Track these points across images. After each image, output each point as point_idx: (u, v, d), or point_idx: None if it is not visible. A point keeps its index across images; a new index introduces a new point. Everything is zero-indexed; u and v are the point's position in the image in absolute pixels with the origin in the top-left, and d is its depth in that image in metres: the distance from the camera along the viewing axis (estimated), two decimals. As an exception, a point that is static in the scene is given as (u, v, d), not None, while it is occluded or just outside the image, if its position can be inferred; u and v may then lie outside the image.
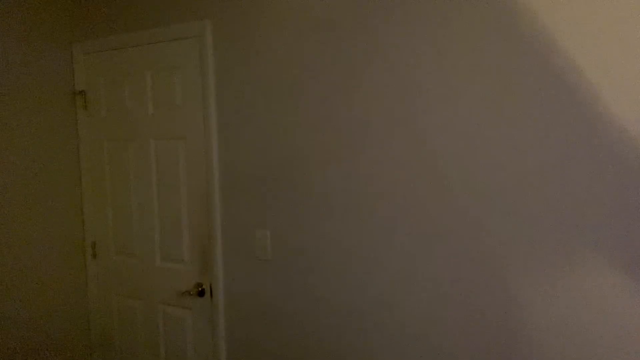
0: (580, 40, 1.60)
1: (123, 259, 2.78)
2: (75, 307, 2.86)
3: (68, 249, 2.81)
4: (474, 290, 1.83)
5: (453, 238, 1.86)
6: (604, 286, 1.62)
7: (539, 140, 1.69)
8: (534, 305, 1.73)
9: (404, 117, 1.92)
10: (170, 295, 2.62)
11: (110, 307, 2.86)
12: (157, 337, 2.70)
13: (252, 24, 2.24)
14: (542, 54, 1.66)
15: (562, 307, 1.69)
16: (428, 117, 1.87)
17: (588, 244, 1.64)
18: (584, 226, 1.64)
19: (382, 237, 2.00)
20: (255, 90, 2.26)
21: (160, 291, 2.66)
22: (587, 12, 1.58)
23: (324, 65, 2.07)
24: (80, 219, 2.87)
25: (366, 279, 2.05)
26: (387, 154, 1.96)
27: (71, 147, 2.83)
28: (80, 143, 2.85)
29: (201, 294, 2.50)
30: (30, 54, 2.62)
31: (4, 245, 2.53)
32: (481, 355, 1.84)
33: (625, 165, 1.57)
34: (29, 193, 2.62)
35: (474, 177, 1.80)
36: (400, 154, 1.93)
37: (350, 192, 2.05)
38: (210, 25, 2.36)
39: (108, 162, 2.78)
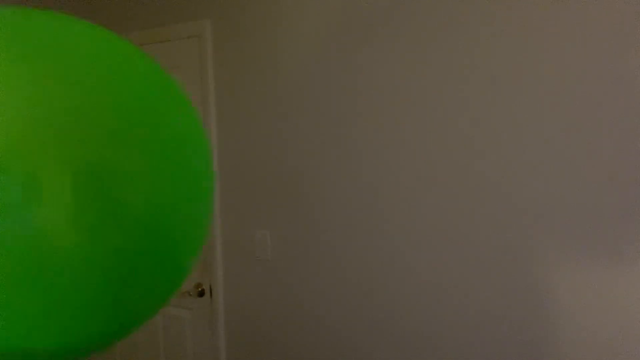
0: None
1: (123, 259, 2.78)
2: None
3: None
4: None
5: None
6: None
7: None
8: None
9: (405, 119, 1.92)
10: (170, 295, 2.61)
11: (110, 307, 2.86)
12: (157, 337, 2.70)
13: (253, 24, 2.24)
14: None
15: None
16: (430, 114, 1.87)
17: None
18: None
19: (385, 237, 2.00)
20: (255, 90, 2.26)
21: (160, 291, 2.65)
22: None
23: (326, 66, 2.07)
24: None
25: (368, 279, 2.05)
26: (388, 155, 1.96)
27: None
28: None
29: (201, 294, 2.50)
30: (30, 53, 2.62)
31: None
32: None
33: None
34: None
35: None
36: (402, 153, 1.93)
37: (351, 191, 2.05)
38: (210, 25, 2.36)
39: (108, 162, 2.78)
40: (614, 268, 1.59)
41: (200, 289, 2.50)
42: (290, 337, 2.27)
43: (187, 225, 0.82)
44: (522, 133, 1.70)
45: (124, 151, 0.72)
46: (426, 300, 1.92)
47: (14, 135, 0.66)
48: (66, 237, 0.69)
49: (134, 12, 2.59)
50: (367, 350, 2.07)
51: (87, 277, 0.71)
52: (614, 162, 1.57)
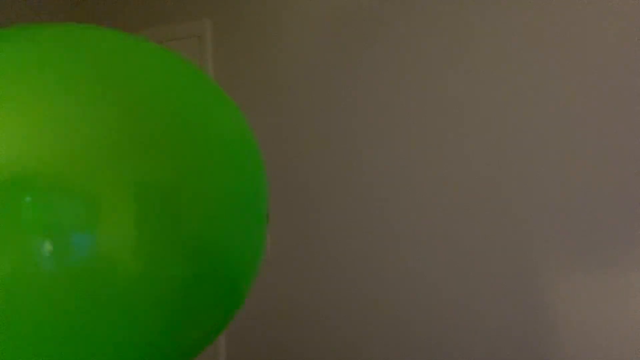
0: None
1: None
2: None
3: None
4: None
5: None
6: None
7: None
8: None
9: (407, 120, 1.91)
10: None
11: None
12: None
13: (253, 24, 2.23)
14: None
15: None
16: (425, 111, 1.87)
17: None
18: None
19: (384, 238, 2.00)
20: (255, 89, 2.25)
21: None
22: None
23: (326, 65, 2.06)
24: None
25: (368, 280, 2.05)
26: (390, 156, 1.96)
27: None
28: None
29: (201, 293, 2.50)
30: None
31: None
32: None
33: None
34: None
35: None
36: (403, 155, 1.93)
37: (352, 192, 2.05)
38: (210, 24, 2.35)
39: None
40: (615, 275, 1.59)
41: (200, 289, 2.50)
42: (290, 337, 2.27)
43: (245, 247, 0.78)
44: (523, 138, 1.70)
45: (186, 172, 0.68)
46: (427, 300, 1.93)
47: (76, 153, 0.61)
48: (127, 264, 0.63)
49: (134, 12, 2.58)
50: (367, 350, 2.08)
51: (149, 308, 0.66)
52: (615, 168, 1.57)
